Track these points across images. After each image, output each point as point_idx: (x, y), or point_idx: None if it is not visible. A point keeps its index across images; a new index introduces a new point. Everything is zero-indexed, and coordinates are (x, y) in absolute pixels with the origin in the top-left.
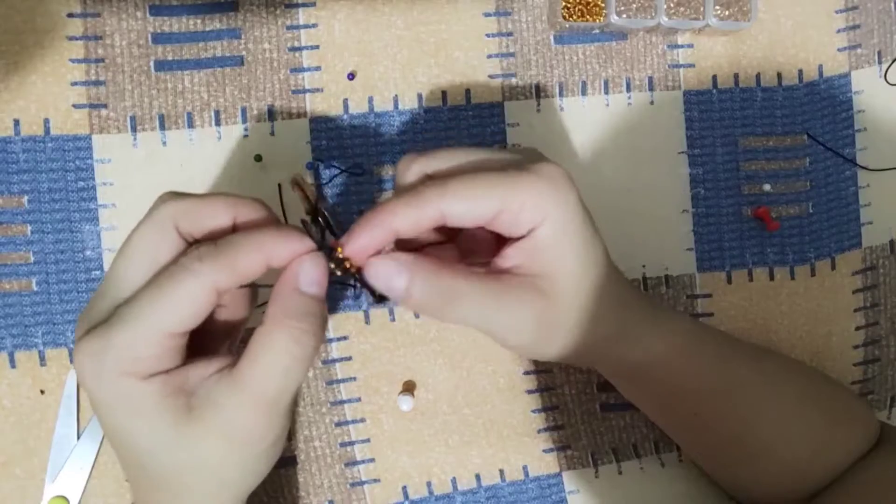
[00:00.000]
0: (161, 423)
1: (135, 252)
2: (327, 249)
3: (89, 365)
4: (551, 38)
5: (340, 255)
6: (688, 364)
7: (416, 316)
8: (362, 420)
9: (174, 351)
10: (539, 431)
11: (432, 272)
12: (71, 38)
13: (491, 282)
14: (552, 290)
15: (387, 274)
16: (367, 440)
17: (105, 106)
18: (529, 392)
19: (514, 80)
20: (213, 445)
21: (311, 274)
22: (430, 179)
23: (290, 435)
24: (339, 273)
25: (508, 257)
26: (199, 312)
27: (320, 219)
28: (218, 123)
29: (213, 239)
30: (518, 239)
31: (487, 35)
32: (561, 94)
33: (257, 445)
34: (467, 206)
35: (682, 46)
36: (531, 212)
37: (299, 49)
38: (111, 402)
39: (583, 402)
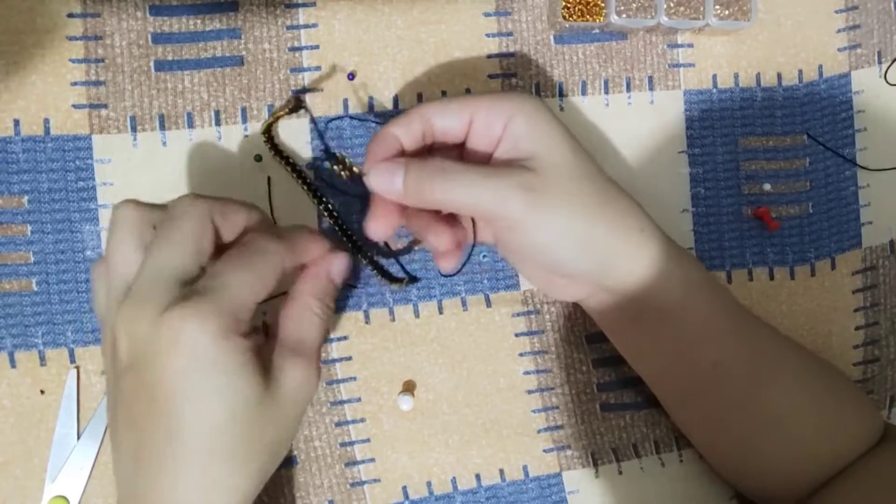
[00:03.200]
0: (258, 377)
1: (184, 241)
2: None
3: (200, 326)
4: (551, 37)
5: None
6: (709, 305)
7: (416, 315)
8: (362, 420)
9: (252, 317)
10: (539, 431)
11: (424, 160)
12: (71, 38)
13: (480, 166)
14: (537, 166)
15: (387, 171)
16: (367, 440)
17: (105, 106)
18: (529, 392)
19: (514, 80)
20: (290, 399)
21: (341, 270)
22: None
23: None
24: (345, 175)
25: (495, 159)
26: (273, 284)
27: (295, 174)
28: (218, 123)
29: (230, 231)
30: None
31: (487, 35)
32: (561, 94)
33: (310, 397)
34: (444, 109)
35: (682, 46)
36: (501, 106)
37: (299, 49)
38: (220, 360)
39: (583, 402)
